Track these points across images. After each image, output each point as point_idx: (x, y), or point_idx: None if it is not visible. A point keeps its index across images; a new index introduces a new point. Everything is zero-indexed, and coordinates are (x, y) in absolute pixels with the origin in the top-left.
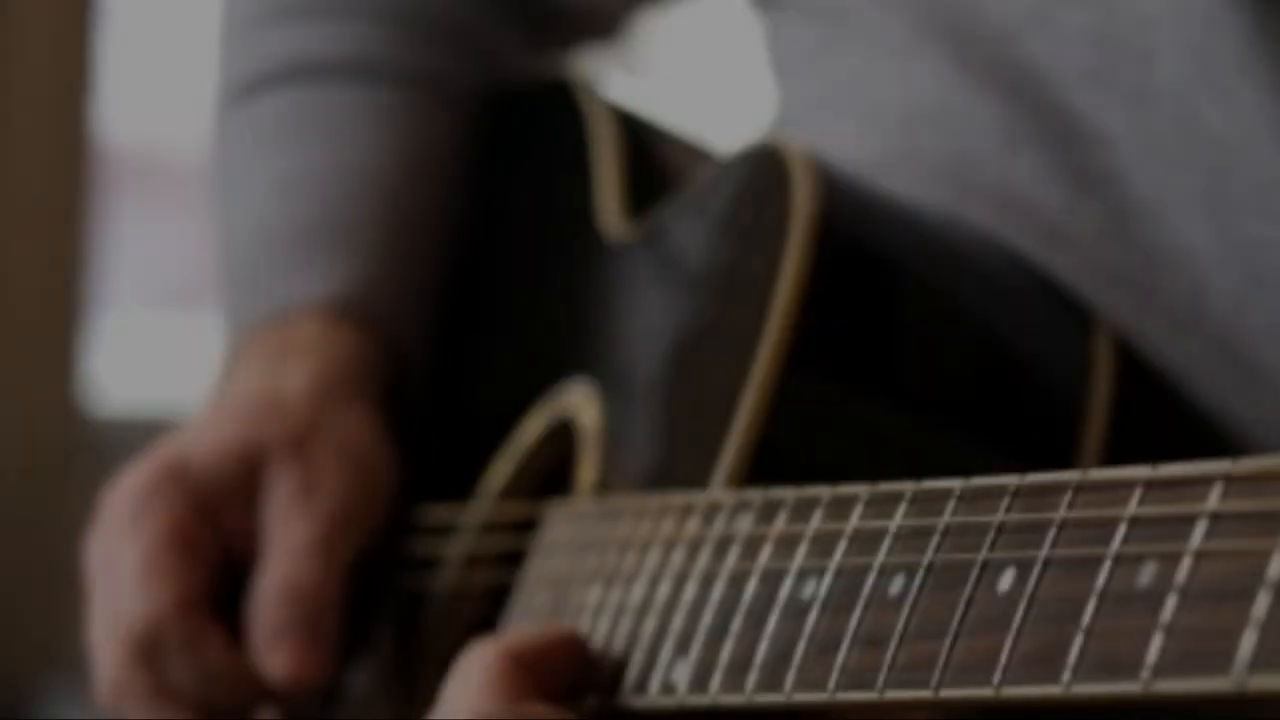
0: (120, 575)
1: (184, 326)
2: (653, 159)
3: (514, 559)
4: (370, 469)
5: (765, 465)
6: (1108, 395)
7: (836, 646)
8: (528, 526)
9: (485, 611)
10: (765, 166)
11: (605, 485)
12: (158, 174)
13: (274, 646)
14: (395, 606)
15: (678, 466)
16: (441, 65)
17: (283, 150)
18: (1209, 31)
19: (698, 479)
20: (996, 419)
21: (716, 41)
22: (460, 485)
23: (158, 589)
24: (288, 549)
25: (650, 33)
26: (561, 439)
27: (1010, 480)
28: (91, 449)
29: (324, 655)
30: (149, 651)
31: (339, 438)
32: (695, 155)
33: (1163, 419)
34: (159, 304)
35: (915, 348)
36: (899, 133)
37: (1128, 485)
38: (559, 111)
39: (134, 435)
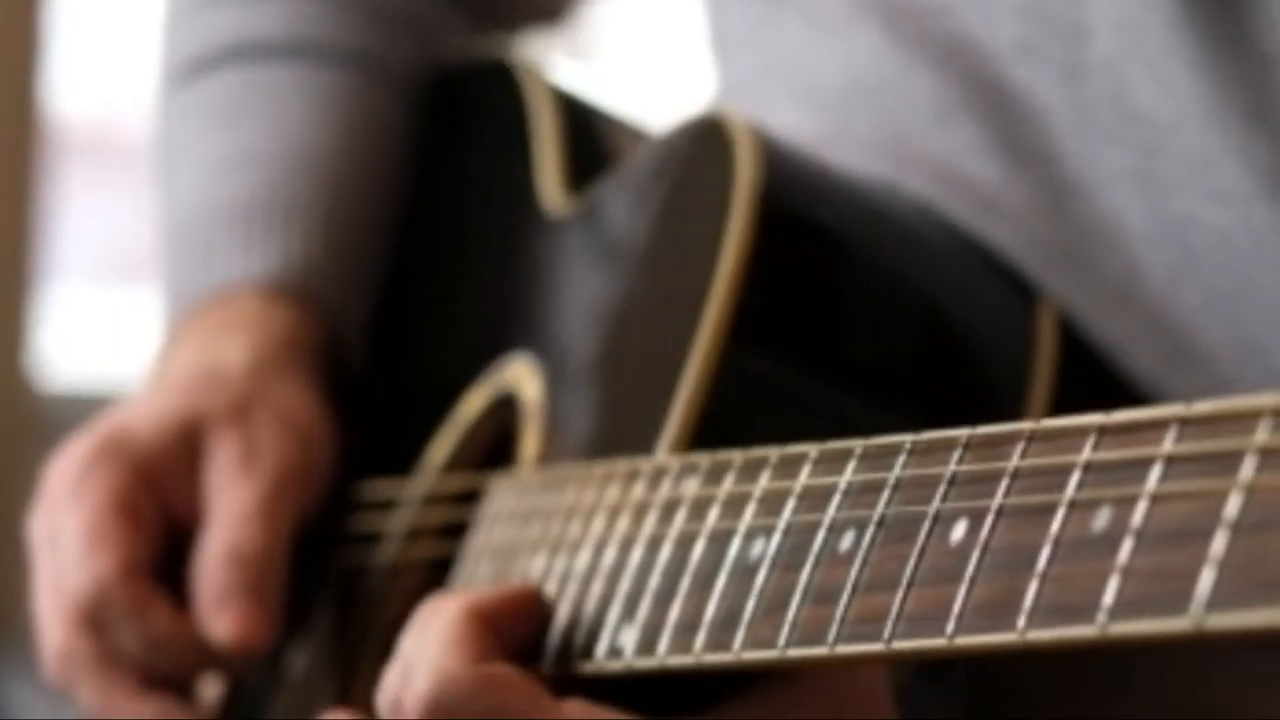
0: (64, 546)
1: (134, 302)
2: (593, 136)
3: (456, 531)
4: (310, 437)
5: (708, 438)
6: (1050, 366)
7: (786, 604)
8: (469, 499)
9: (427, 584)
10: (707, 138)
11: (548, 459)
12: (108, 149)
13: (219, 610)
14: (337, 582)
15: (620, 440)
16: (383, 46)
17: (223, 130)
18: (1141, 10)
19: (641, 452)
20: (940, 391)
21: (660, 23)
22: (402, 460)
23: (101, 557)
24: (230, 514)
25: (594, 16)
26: (503, 413)
27: (961, 433)
28: (41, 424)
29: (268, 618)
30: (95, 619)
31: (278, 406)
32: (635, 135)
33: (1099, 393)
34: (109, 279)
35: (859, 319)
36: (836, 107)
37: (1081, 432)
38: (499, 90)
39: (84, 410)
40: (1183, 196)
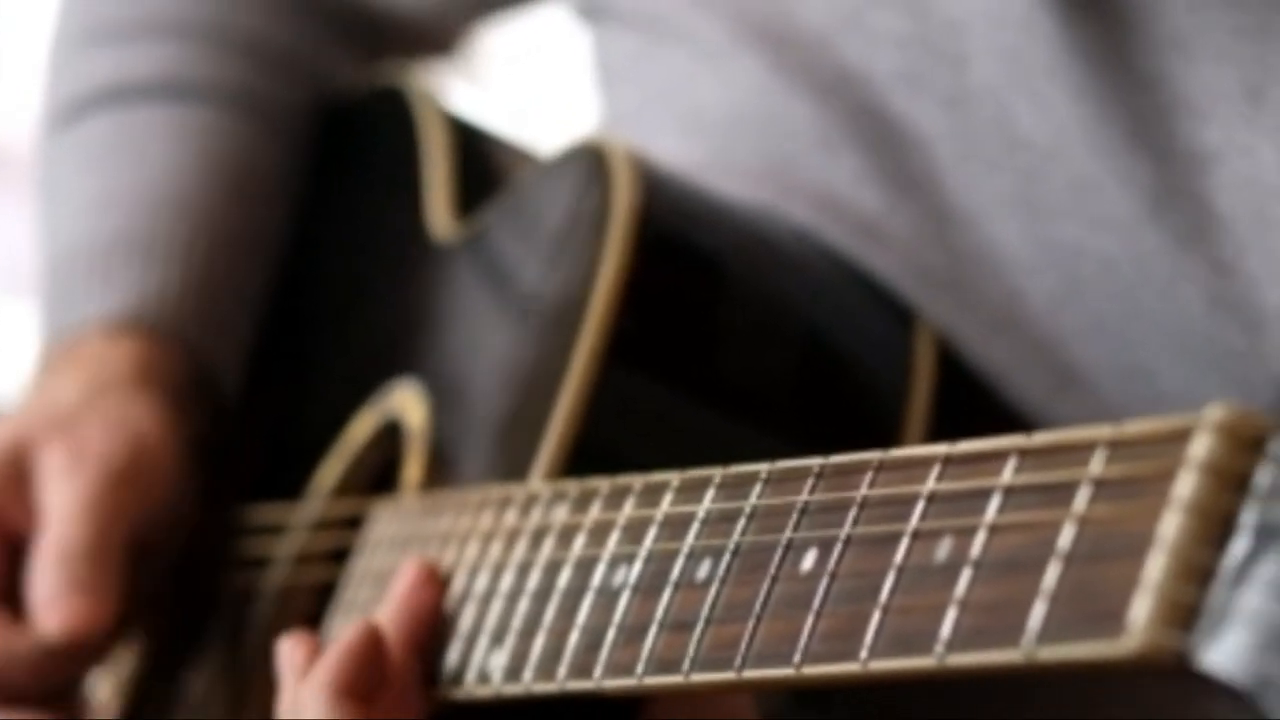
0: None
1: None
2: (484, 162)
3: (342, 556)
4: (144, 443)
5: (583, 464)
6: (928, 391)
7: (644, 632)
8: (356, 524)
9: (315, 608)
10: (586, 163)
11: (430, 484)
12: (12, 164)
13: (49, 609)
14: (227, 606)
15: (499, 465)
16: (262, 84)
17: (93, 172)
18: (1021, 35)
19: (517, 478)
20: (818, 415)
21: (549, 53)
22: (294, 486)
23: None
24: (57, 515)
25: (485, 45)
26: (391, 439)
27: (815, 462)
28: None
29: (100, 610)
30: None
31: (109, 415)
32: (527, 160)
33: (982, 418)
34: (13, 293)
35: (736, 344)
36: (718, 136)
37: (927, 462)
38: (392, 118)
39: None
40: (1065, 223)
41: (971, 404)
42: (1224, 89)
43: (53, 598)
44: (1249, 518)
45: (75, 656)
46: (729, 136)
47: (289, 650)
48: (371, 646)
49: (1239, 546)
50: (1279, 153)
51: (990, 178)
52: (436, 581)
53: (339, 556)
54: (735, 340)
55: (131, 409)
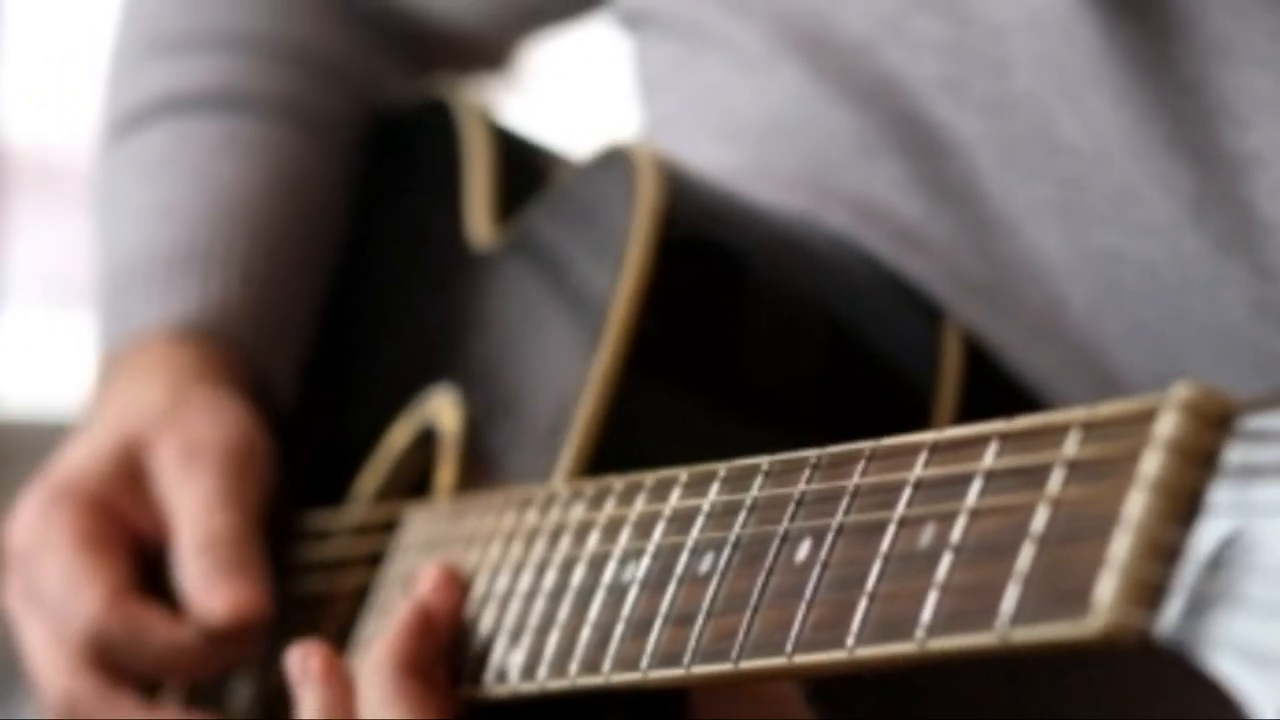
0: (48, 597)
1: (85, 327)
2: (525, 169)
3: (378, 560)
4: (249, 430)
5: (604, 468)
6: (956, 388)
7: (649, 627)
8: (394, 529)
9: (354, 612)
10: (613, 167)
11: (464, 488)
12: (61, 174)
13: (208, 593)
14: (277, 612)
15: (528, 467)
16: (314, 96)
17: (152, 182)
18: (1062, 42)
19: (544, 480)
20: (846, 418)
21: (591, 63)
22: (338, 492)
23: (86, 593)
24: (192, 509)
25: (529, 57)
26: (428, 444)
27: (811, 453)
28: None
29: (258, 590)
30: (99, 653)
31: (207, 406)
32: (564, 165)
33: None
34: (62, 304)
35: (762, 347)
36: (757, 143)
37: (915, 449)
38: (437, 130)
39: (38, 438)
40: (1106, 229)
41: (1011, 410)
42: (1265, 94)
43: (209, 584)
44: (1219, 496)
45: (239, 640)
46: (768, 143)
47: (301, 659)
48: (424, 619)
49: (1217, 527)
50: None
51: (1031, 184)
52: (456, 584)
53: (375, 561)
54: (761, 343)
55: (222, 400)
